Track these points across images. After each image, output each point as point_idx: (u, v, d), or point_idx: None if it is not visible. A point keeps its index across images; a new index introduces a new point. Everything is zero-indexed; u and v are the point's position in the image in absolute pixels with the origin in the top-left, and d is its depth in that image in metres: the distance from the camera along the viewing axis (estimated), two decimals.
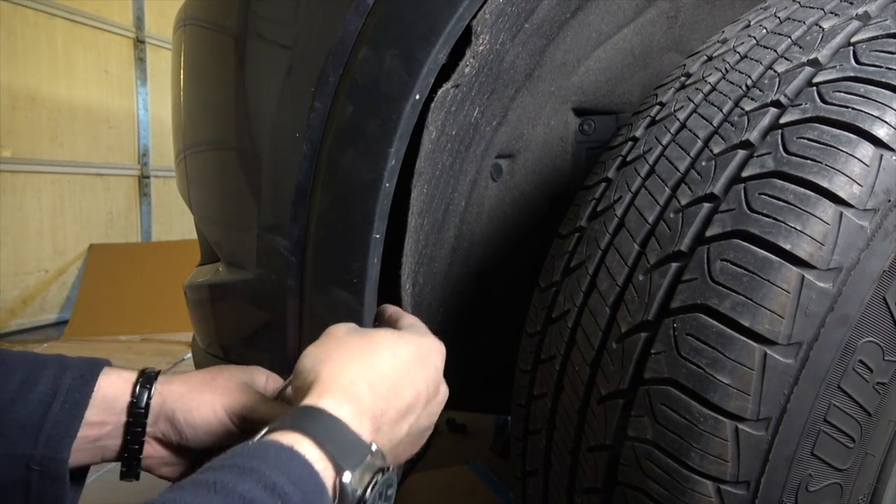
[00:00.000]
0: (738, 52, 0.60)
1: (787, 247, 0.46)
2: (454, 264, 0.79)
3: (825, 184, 0.46)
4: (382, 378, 0.48)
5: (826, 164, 0.47)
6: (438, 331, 0.79)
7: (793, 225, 0.46)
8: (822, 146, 0.48)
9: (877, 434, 0.49)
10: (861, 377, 0.47)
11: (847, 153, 0.47)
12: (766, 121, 0.52)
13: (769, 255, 0.46)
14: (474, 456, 1.74)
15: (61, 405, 0.53)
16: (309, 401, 0.44)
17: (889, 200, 0.47)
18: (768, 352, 0.45)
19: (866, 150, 0.47)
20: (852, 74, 0.51)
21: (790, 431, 0.46)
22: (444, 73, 0.59)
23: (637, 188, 0.58)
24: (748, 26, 0.65)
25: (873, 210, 0.46)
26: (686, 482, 0.46)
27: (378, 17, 0.58)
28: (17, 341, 3.49)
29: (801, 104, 0.51)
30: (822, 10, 0.59)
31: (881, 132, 0.47)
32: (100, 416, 0.55)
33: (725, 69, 0.60)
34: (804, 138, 0.49)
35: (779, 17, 0.62)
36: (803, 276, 0.45)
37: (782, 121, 0.51)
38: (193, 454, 0.59)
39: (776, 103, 0.52)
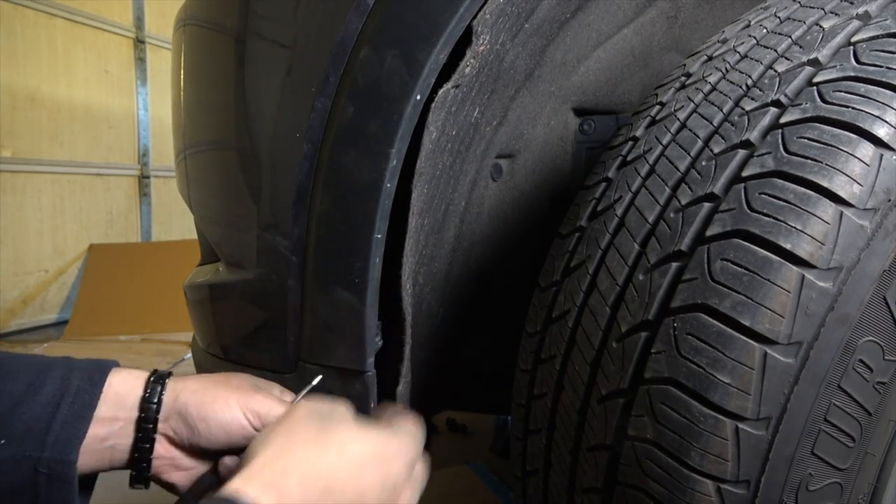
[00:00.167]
0: (739, 52, 0.60)
1: (788, 246, 0.46)
2: (454, 264, 0.79)
3: (825, 183, 0.46)
4: (319, 475, 0.46)
5: (826, 164, 0.47)
6: (438, 331, 0.80)
7: (793, 224, 0.46)
8: (822, 146, 0.48)
9: (877, 433, 0.49)
10: (861, 376, 0.47)
11: (847, 153, 0.47)
12: (766, 120, 0.52)
13: (769, 254, 0.46)
14: (474, 456, 1.74)
15: (69, 406, 0.52)
16: (234, 484, 0.43)
17: (889, 200, 0.47)
18: (768, 351, 0.45)
19: (866, 150, 0.47)
20: (852, 74, 0.51)
21: (790, 431, 0.46)
22: (445, 74, 0.59)
23: (637, 188, 0.58)
24: (748, 26, 0.65)
25: (873, 209, 0.46)
26: (686, 481, 0.46)
27: (379, 17, 0.58)
28: (17, 341, 3.49)
29: (801, 104, 0.51)
30: (823, 9, 0.59)
31: (881, 132, 0.47)
32: (111, 412, 0.54)
33: (726, 69, 0.60)
34: (804, 138, 0.49)
35: (779, 17, 0.62)
36: (803, 276, 0.45)
37: (782, 120, 0.51)
38: (206, 457, 0.58)
39: (776, 103, 0.52)
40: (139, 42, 4.55)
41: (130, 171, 4.54)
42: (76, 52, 4.06)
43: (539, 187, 0.83)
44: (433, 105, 0.59)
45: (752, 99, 0.54)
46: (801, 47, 0.56)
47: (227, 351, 0.75)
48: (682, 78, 0.65)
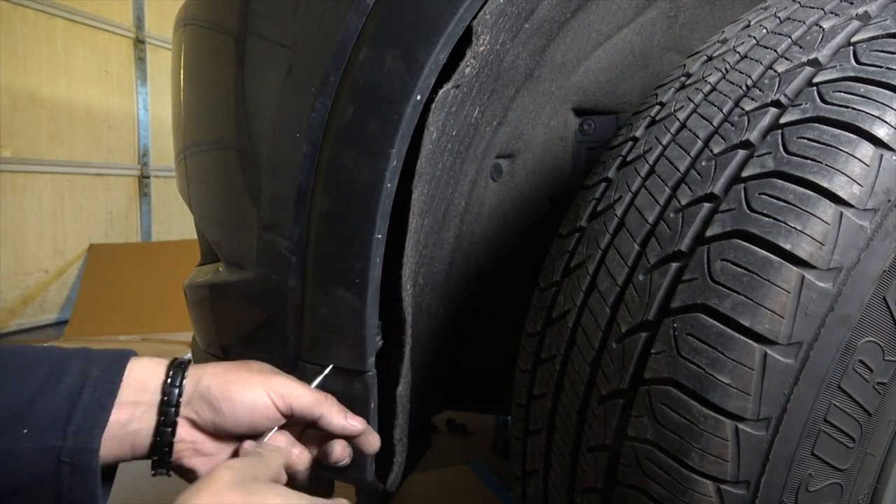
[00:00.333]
0: (739, 52, 0.60)
1: (788, 247, 0.46)
2: (454, 264, 0.79)
3: (825, 184, 0.46)
4: None
5: (826, 164, 0.47)
6: (438, 331, 0.80)
7: (793, 225, 0.46)
8: (822, 146, 0.48)
9: (877, 434, 0.49)
10: (861, 377, 0.47)
11: (847, 153, 0.47)
12: (766, 121, 0.52)
13: (769, 254, 0.46)
14: (474, 456, 1.74)
15: (90, 395, 0.52)
16: None
17: (889, 200, 0.47)
18: (768, 352, 0.45)
19: (866, 150, 0.47)
20: (852, 74, 0.51)
21: (790, 431, 0.46)
22: (445, 74, 0.59)
23: (637, 188, 0.58)
24: (748, 26, 0.65)
25: (873, 210, 0.46)
26: (686, 482, 0.46)
27: (379, 17, 0.58)
28: (17, 341, 3.49)
29: (801, 104, 0.51)
30: (823, 10, 0.59)
31: (881, 132, 0.47)
32: (133, 397, 0.54)
33: (725, 69, 0.60)
34: (804, 138, 0.49)
35: (779, 17, 0.62)
36: (803, 276, 0.45)
37: (782, 121, 0.51)
38: (228, 440, 0.58)
39: (776, 103, 0.52)
40: (139, 42, 4.55)
41: (130, 171, 4.54)
42: (76, 51, 4.06)
43: (539, 187, 0.83)
44: (433, 105, 0.59)
45: (752, 99, 0.54)
46: (801, 47, 0.56)
47: (227, 351, 0.75)
48: (682, 78, 0.65)
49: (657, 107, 0.64)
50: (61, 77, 3.95)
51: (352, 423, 0.61)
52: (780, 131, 0.50)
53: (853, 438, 0.48)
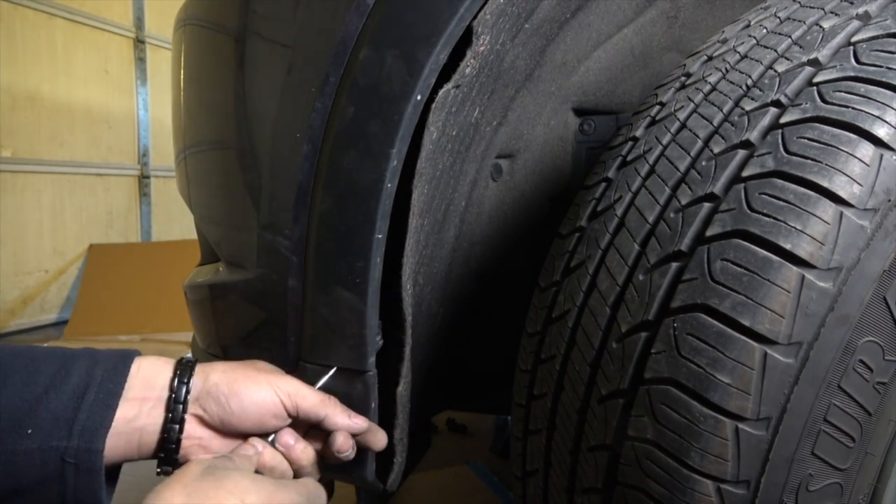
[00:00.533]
0: (739, 52, 0.60)
1: (788, 246, 0.46)
2: (454, 264, 0.79)
3: (825, 183, 0.46)
4: None
5: (826, 164, 0.47)
6: (438, 331, 0.80)
7: (793, 225, 0.46)
8: (822, 146, 0.48)
9: (877, 434, 0.49)
10: (861, 377, 0.47)
11: (847, 153, 0.47)
12: (766, 120, 0.52)
13: (769, 254, 0.46)
14: (474, 456, 1.74)
15: (95, 395, 0.52)
16: None
17: (889, 200, 0.47)
18: (768, 351, 0.45)
19: (866, 150, 0.47)
20: (852, 74, 0.51)
21: (790, 431, 0.46)
22: (445, 74, 0.59)
23: (637, 188, 0.58)
24: (748, 26, 0.65)
25: (873, 210, 0.46)
26: (686, 482, 0.46)
27: (379, 17, 0.58)
28: (17, 341, 3.49)
29: (801, 104, 0.51)
30: (823, 9, 0.59)
31: (881, 132, 0.47)
32: (140, 393, 0.55)
33: (726, 69, 0.60)
34: (804, 138, 0.49)
35: (779, 17, 0.62)
36: (803, 276, 0.45)
37: (782, 120, 0.51)
38: (234, 437, 0.59)
39: (776, 103, 0.52)
40: (139, 42, 4.55)
41: (130, 171, 4.54)
42: (76, 51, 4.06)
43: (539, 187, 0.83)
44: (433, 105, 0.59)
45: (752, 99, 0.54)
46: (801, 47, 0.56)
47: (227, 351, 0.75)
48: (682, 78, 0.65)
49: (657, 107, 0.64)
50: (61, 77, 3.95)
51: (356, 421, 0.61)
52: (780, 131, 0.50)
53: (853, 438, 0.48)
